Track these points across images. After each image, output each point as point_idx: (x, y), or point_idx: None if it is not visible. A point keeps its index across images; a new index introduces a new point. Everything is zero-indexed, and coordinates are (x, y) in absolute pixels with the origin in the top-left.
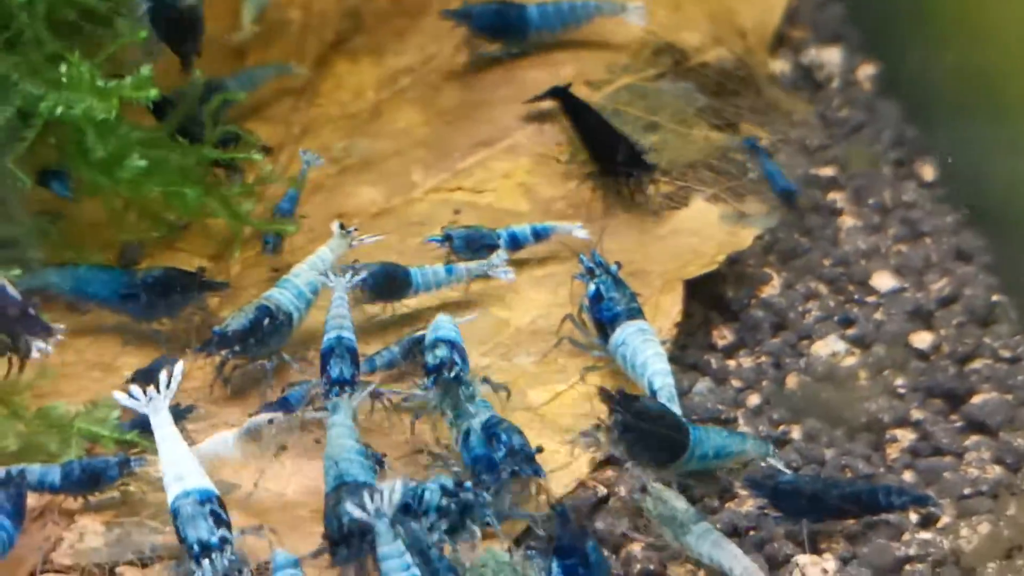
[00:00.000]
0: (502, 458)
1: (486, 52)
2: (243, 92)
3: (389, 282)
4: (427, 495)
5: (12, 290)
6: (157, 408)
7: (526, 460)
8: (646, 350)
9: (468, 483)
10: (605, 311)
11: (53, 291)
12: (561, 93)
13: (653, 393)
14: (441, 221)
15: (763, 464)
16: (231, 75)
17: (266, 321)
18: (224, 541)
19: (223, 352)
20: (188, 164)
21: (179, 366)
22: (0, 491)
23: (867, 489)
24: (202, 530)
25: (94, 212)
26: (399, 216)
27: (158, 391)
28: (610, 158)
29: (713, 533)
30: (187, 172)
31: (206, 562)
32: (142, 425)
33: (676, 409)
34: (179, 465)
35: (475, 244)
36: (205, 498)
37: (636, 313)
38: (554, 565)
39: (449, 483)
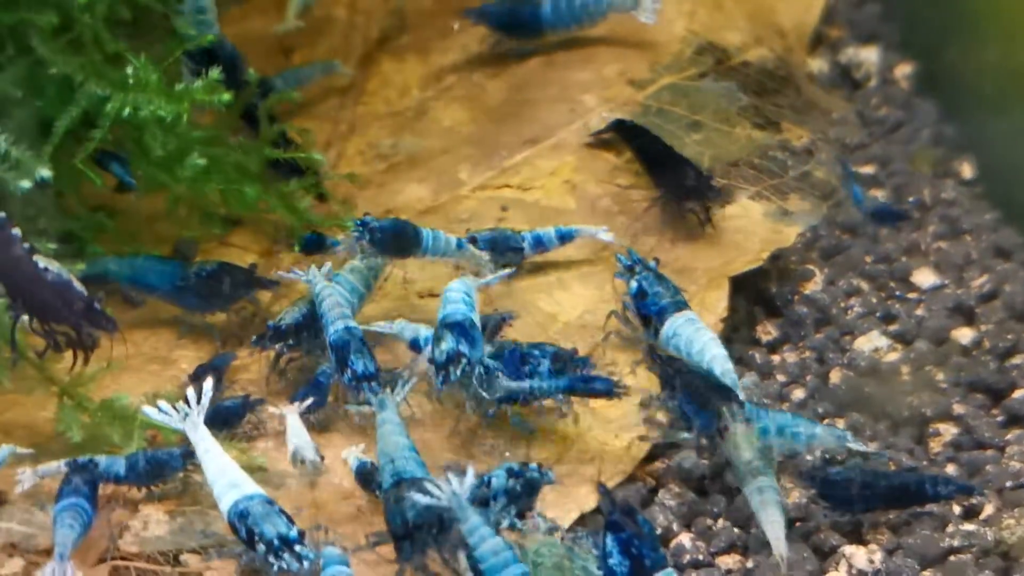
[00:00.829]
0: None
1: (507, 50)
2: (291, 91)
3: (397, 238)
4: (494, 481)
5: (78, 284)
6: (195, 424)
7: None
8: (701, 337)
9: (533, 464)
10: (652, 305)
11: (110, 279)
12: (623, 126)
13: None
14: (488, 218)
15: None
16: (278, 74)
17: (310, 321)
18: (302, 535)
19: (277, 345)
20: (246, 162)
21: (208, 383)
22: (77, 476)
23: (914, 479)
24: (280, 526)
25: (150, 207)
26: (447, 213)
27: (190, 405)
28: (677, 184)
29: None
30: (245, 170)
31: (287, 555)
32: (211, 422)
33: (740, 394)
34: (229, 474)
35: (500, 247)
36: (268, 500)
37: (683, 305)
38: (608, 540)
39: (515, 465)
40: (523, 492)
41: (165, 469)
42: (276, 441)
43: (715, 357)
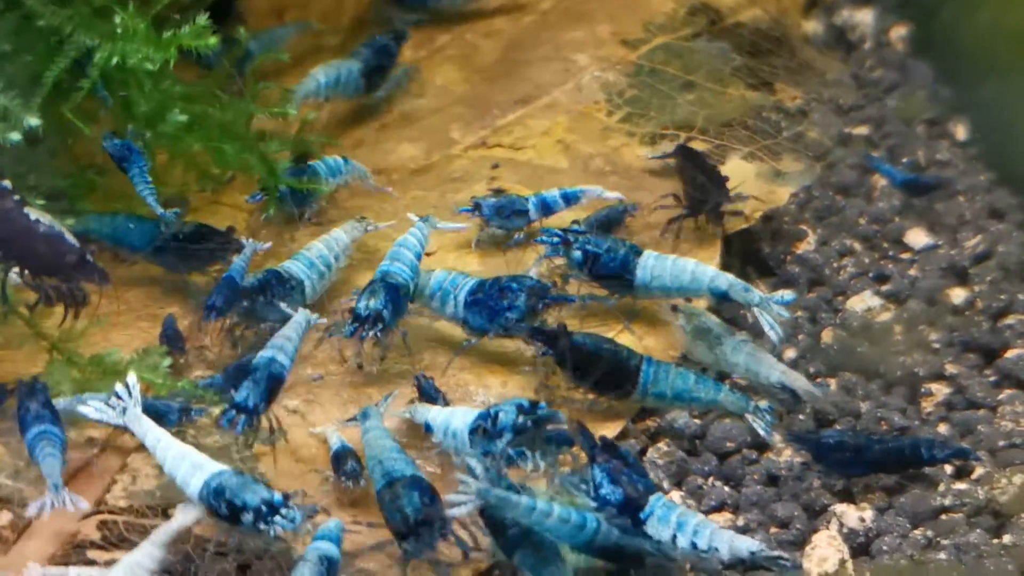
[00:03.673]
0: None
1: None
2: (265, 52)
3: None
4: (501, 416)
5: (70, 237)
6: (136, 416)
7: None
8: (686, 265)
9: (543, 403)
10: (610, 263)
11: (92, 237)
12: (686, 151)
13: (723, 295)
14: (480, 178)
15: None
16: (253, 37)
17: (275, 282)
18: (287, 497)
19: (232, 309)
20: (229, 120)
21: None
22: (32, 401)
23: (909, 443)
24: (262, 491)
25: None
26: (439, 172)
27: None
28: (705, 204)
29: (748, 344)
30: (228, 128)
31: (277, 519)
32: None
33: (753, 297)
34: (190, 457)
35: (505, 211)
36: (238, 472)
37: (638, 249)
38: (596, 472)
39: (524, 402)
40: (532, 430)
41: (162, 421)
42: None
43: (713, 276)
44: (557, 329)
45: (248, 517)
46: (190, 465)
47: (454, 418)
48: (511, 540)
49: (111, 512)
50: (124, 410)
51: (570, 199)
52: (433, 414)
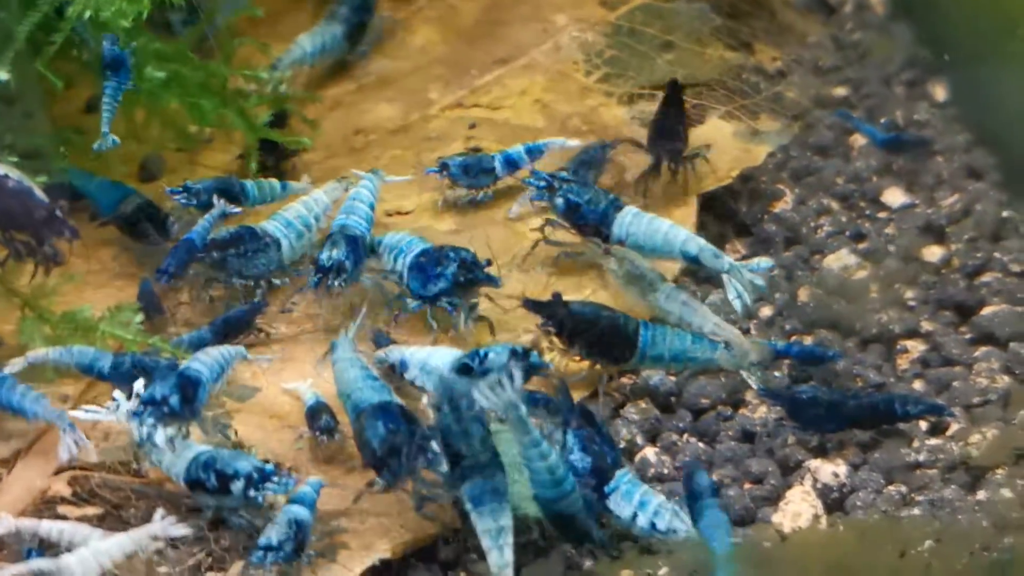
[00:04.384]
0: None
1: None
2: (236, 9)
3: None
4: (492, 356)
5: (39, 193)
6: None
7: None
8: (660, 226)
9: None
10: (590, 214)
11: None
12: (674, 86)
13: (693, 260)
14: (457, 137)
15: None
16: None
17: (248, 238)
18: (278, 467)
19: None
20: (206, 80)
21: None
22: None
23: (883, 399)
24: (253, 460)
25: (117, 124)
26: (416, 132)
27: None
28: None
29: (682, 294)
30: (205, 85)
31: (269, 485)
32: (198, 344)
33: (722, 264)
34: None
35: (472, 170)
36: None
37: (620, 203)
38: (570, 437)
39: (519, 348)
40: (519, 375)
41: (149, 377)
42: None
43: (685, 239)
44: (553, 298)
45: (239, 485)
46: (181, 444)
47: (433, 357)
48: (464, 471)
49: (82, 468)
50: (118, 407)
51: (534, 153)
52: (410, 352)
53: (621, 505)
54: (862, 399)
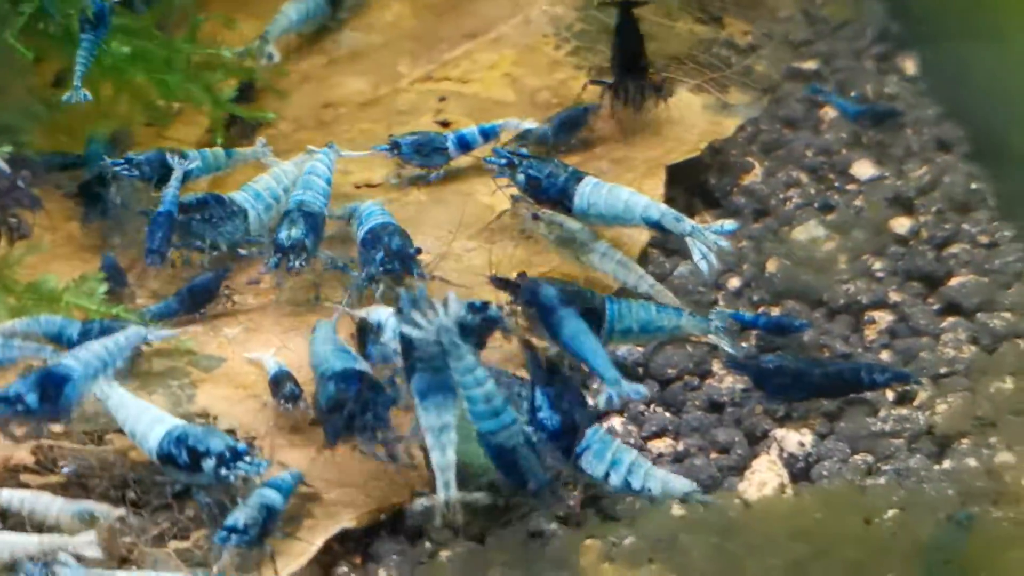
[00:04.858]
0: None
1: None
2: None
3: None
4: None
5: (2, 164)
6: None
7: (402, 259)
8: (620, 194)
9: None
10: (551, 188)
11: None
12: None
13: (656, 225)
14: (427, 111)
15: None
16: None
17: (213, 204)
18: (250, 445)
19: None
20: (171, 56)
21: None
22: None
23: (849, 367)
24: (226, 439)
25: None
26: (386, 106)
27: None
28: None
29: (617, 253)
30: (171, 61)
31: (240, 464)
32: (165, 314)
33: (685, 227)
34: (151, 412)
35: (424, 149)
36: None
37: (581, 173)
38: (538, 394)
39: (477, 302)
40: (477, 329)
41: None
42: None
43: (646, 206)
44: (518, 277)
45: (210, 463)
46: (151, 419)
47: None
48: (413, 365)
49: (47, 439)
50: None
51: (488, 134)
52: (389, 313)
53: (593, 464)
54: (828, 368)
